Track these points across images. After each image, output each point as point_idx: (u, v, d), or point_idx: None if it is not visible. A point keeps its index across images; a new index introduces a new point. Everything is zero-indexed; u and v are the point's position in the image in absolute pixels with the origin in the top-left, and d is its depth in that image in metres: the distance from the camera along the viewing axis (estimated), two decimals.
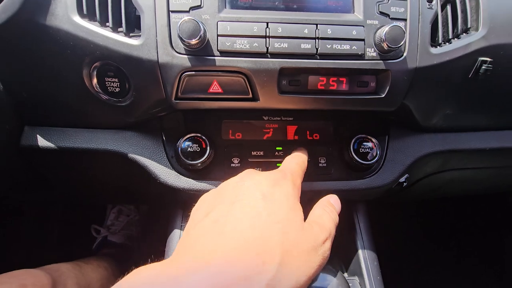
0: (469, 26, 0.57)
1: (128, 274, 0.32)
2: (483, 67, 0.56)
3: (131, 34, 0.51)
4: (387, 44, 0.49)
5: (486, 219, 1.37)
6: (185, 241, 0.37)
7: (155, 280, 0.30)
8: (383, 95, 0.54)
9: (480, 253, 1.34)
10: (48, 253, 1.27)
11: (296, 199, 0.41)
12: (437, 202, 1.38)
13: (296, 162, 0.52)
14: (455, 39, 0.57)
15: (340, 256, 0.81)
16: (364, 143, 0.64)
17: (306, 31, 0.50)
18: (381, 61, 0.52)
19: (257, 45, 0.49)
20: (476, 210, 1.38)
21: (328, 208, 0.47)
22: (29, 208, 1.30)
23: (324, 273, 0.42)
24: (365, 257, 0.71)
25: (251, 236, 0.33)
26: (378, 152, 0.64)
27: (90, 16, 0.51)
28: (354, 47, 0.51)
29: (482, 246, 1.35)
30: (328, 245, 0.39)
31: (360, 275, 0.70)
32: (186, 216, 0.74)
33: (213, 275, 0.29)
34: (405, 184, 0.71)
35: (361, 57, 0.51)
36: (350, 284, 0.68)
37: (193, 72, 0.50)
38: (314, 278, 0.40)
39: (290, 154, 0.64)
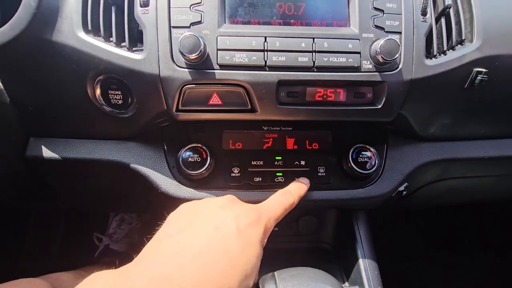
0: (463, 37, 0.58)
1: (83, 281, 0.32)
2: (478, 77, 0.57)
3: (134, 49, 0.53)
4: (382, 57, 0.50)
5: (488, 226, 1.36)
6: (151, 251, 0.38)
7: None
8: (380, 106, 0.55)
9: (482, 259, 1.33)
10: (50, 262, 1.28)
11: (262, 244, 0.43)
12: (438, 209, 1.37)
13: (280, 204, 0.51)
14: (450, 50, 0.58)
15: (340, 265, 0.81)
16: (363, 152, 0.65)
17: (303, 44, 0.51)
18: (377, 73, 0.53)
19: (256, 58, 0.51)
20: (477, 217, 1.37)
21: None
22: (32, 217, 1.32)
23: (323, 284, 0.43)
24: (365, 266, 0.71)
25: (215, 269, 0.35)
26: (376, 161, 0.64)
27: (95, 32, 0.52)
28: (350, 59, 0.52)
29: (483, 253, 1.34)
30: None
31: (361, 285, 0.69)
32: None
33: None
34: (404, 193, 0.71)
35: (357, 69, 0.53)
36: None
37: (194, 85, 0.52)
38: None
39: (290, 163, 0.66)
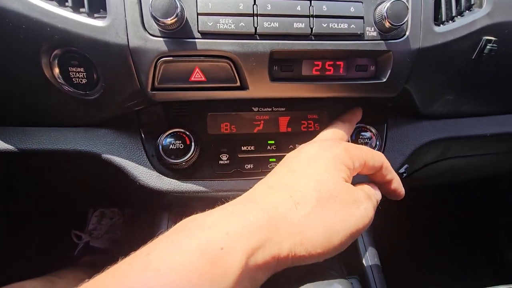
0: (472, 2, 0.52)
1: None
2: (488, 46, 0.52)
3: (95, 15, 0.44)
4: (389, 22, 0.44)
5: (484, 208, 1.36)
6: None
7: None
8: (384, 80, 0.49)
9: (480, 245, 1.34)
10: (26, 265, 1.18)
11: (338, 163, 0.40)
12: (433, 191, 1.36)
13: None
14: (458, 16, 0.52)
15: (339, 255, 0.78)
16: (363, 133, 0.60)
17: (299, 8, 0.44)
18: (382, 42, 0.47)
19: (244, 24, 0.43)
20: (472, 198, 1.36)
21: (372, 190, 0.46)
22: (3, 218, 1.20)
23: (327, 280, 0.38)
24: (365, 254, 0.67)
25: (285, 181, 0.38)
26: (377, 143, 0.59)
27: None
28: (352, 25, 0.45)
29: (481, 237, 1.35)
30: (370, 206, 0.40)
31: (362, 273, 0.66)
32: (171, 220, 0.68)
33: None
34: (405, 175, 0.67)
35: (360, 37, 0.46)
36: (351, 282, 0.64)
37: (171, 58, 0.44)
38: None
39: (284, 147, 0.59)
